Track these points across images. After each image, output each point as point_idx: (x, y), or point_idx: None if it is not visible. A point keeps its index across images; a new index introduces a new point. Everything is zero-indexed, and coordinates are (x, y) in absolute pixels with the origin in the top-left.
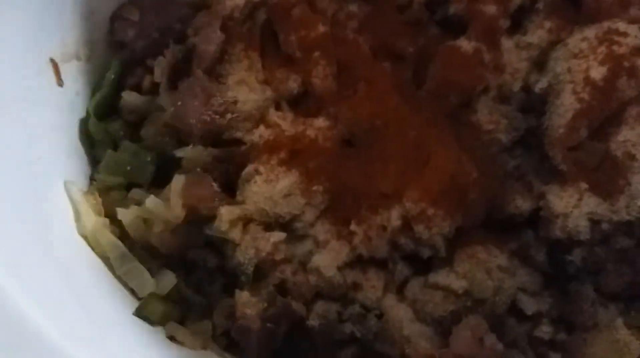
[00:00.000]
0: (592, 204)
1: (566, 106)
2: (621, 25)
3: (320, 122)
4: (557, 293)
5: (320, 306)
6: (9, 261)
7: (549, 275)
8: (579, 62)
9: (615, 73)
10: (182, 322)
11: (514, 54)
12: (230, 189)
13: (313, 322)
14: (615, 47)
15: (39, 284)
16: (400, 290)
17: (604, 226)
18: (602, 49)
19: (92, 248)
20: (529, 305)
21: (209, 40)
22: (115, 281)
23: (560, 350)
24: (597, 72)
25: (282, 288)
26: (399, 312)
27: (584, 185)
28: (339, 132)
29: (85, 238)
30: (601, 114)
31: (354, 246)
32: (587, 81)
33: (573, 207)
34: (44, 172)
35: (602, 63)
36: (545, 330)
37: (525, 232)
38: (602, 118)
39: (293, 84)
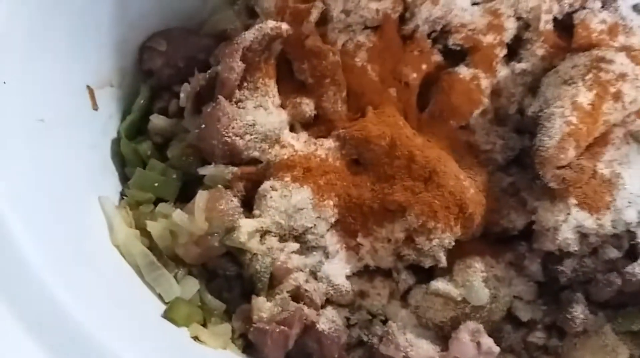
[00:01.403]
0: (580, 218)
1: (555, 129)
2: (608, 54)
3: (330, 142)
4: (551, 302)
5: (329, 311)
6: (52, 267)
7: (542, 284)
8: (568, 88)
9: (601, 98)
10: (204, 324)
11: (509, 80)
12: (248, 204)
13: (323, 325)
14: (602, 74)
15: (80, 286)
16: (404, 298)
17: (592, 239)
18: (590, 75)
19: (124, 257)
20: (524, 313)
21: (230, 69)
22: (144, 286)
23: (553, 355)
24: (585, 97)
25: (295, 295)
26: (402, 318)
27: (572, 201)
28: (348, 152)
29: (117, 247)
30: (588, 136)
31: (361, 256)
32: (575, 105)
33: (562, 221)
34: (81, 187)
35: (589, 89)
36: (539, 336)
37: (520, 244)
38: (590, 140)
39: (306, 108)
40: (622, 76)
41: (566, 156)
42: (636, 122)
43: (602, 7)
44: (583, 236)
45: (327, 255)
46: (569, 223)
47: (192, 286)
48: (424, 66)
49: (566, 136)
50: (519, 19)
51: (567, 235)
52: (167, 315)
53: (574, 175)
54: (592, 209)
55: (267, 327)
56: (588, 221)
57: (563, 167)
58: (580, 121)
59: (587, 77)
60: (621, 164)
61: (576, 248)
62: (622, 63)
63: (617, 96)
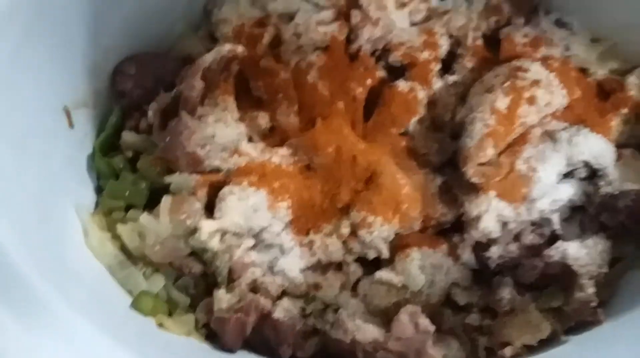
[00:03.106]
0: (499, 208)
1: (476, 131)
2: (525, 63)
3: (284, 150)
4: (485, 286)
5: (285, 302)
6: (36, 270)
7: (478, 271)
8: (488, 95)
9: (516, 102)
10: (169, 316)
11: (444, 91)
12: (211, 208)
13: (278, 314)
14: (518, 81)
15: (61, 285)
16: (354, 288)
17: (511, 226)
18: (508, 83)
19: (97, 258)
20: (461, 297)
21: (191, 88)
22: (116, 283)
23: (487, 334)
24: (502, 102)
25: (252, 287)
26: (352, 306)
27: (492, 193)
28: (300, 159)
29: (92, 249)
30: (506, 136)
31: (314, 252)
32: (493, 109)
33: (484, 211)
34: (60, 198)
35: (506, 94)
36: (474, 318)
37: (454, 236)
38: (508, 139)
39: (262, 121)
40: (536, 82)
41: (485, 154)
42: (552, 123)
43: (526, 23)
44: (504, 223)
45: (282, 251)
46: (490, 213)
47: (158, 282)
48: (369, 81)
49: (485, 137)
50: (450, 36)
51: (488, 223)
52: (134, 306)
53: (493, 171)
54: (510, 199)
55: (226, 316)
56: (506, 210)
57: (483, 164)
58: (498, 123)
59: (504, 85)
60: (537, 160)
61: (498, 235)
62: (536, 71)
63: (532, 100)
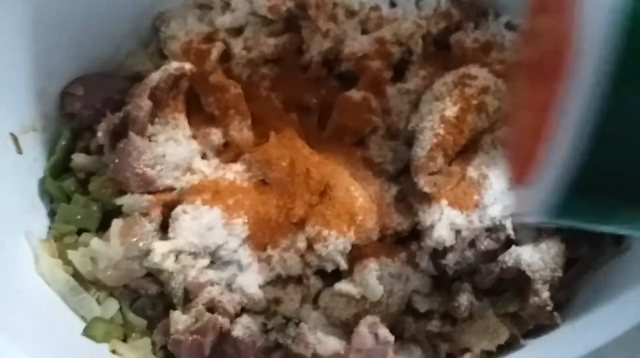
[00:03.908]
0: (452, 216)
1: (426, 140)
2: (473, 70)
3: (238, 166)
4: (444, 293)
5: (245, 319)
6: None
7: (437, 278)
8: (438, 104)
9: (465, 110)
10: (124, 340)
11: (397, 99)
12: (166, 228)
13: (238, 332)
14: (466, 89)
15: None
16: (315, 301)
17: (464, 233)
18: (456, 91)
19: (49, 284)
20: (422, 305)
21: (139, 108)
22: (69, 310)
23: (448, 340)
24: (451, 111)
25: (210, 307)
26: (313, 319)
27: (444, 202)
28: (254, 174)
29: (43, 276)
30: (455, 145)
31: (272, 267)
32: (443, 119)
33: (437, 220)
34: (9, 227)
35: (454, 103)
36: (435, 324)
37: (412, 244)
38: (458, 147)
39: (214, 137)
40: (485, 89)
41: (435, 163)
42: (502, 129)
43: (475, 27)
44: (457, 231)
45: (240, 268)
46: (442, 221)
47: (112, 306)
48: (322, 91)
49: (434, 146)
50: (401, 44)
51: (442, 232)
52: (86, 333)
53: (444, 180)
54: (462, 207)
55: (182, 338)
56: (459, 218)
57: (434, 173)
58: (447, 132)
59: (453, 93)
60: (489, 167)
61: (452, 243)
62: (484, 77)
63: (480, 108)
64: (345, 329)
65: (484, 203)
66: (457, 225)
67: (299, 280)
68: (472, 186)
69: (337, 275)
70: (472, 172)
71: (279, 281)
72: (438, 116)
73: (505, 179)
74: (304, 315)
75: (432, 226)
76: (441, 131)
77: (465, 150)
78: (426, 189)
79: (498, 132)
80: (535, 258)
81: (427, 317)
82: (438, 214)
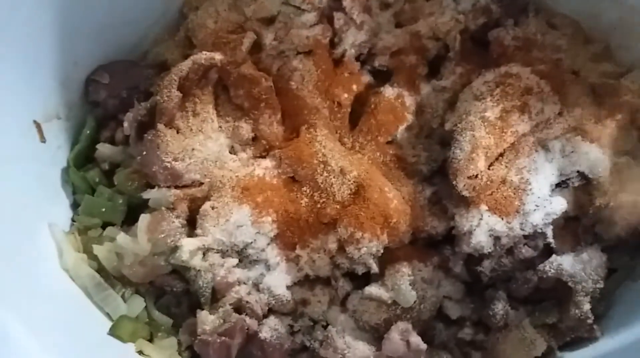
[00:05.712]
0: (491, 222)
1: (466, 142)
2: (515, 69)
3: (267, 162)
4: (477, 300)
5: (272, 320)
6: (6, 309)
7: (470, 284)
8: (478, 103)
9: (507, 112)
10: (150, 339)
11: (432, 97)
12: (192, 222)
13: (265, 334)
14: (508, 89)
15: (28, 310)
16: (343, 303)
17: (504, 240)
18: (498, 91)
19: (73, 280)
20: (454, 311)
21: (167, 99)
22: (93, 307)
23: (480, 349)
24: (492, 112)
25: (237, 307)
26: (341, 322)
27: (484, 207)
28: (284, 171)
29: (67, 271)
30: (497, 147)
31: (300, 267)
32: (484, 119)
33: (476, 226)
34: (31, 217)
35: (497, 103)
36: (467, 332)
37: (446, 248)
38: (499, 150)
39: (244, 131)
40: (528, 90)
41: (476, 166)
42: (544, 131)
43: (515, 24)
44: (496, 238)
45: (268, 268)
46: (481, 227)
47: (138, 304)
48: (354, 87)
49: (475, 148)
50: (437, 39)
51: (480, 238)
52: (112, 333)
53: (484, 184)
54: (502, 213)
55: (210, 339)
56: (499, 224)
57: (474, 176)
58: (488, 134)
59: (494, 93)
60: (530, 171)
61: (490, 250)
62: (527, 78)
63: (523, 109)
64: (375, 334)
65: (525, 210)
66: (497, 231)
67: (326, 281)
68: (513, 192)
69: (366, 276)
70: (513, 176)
71: (306, 282)
72: (479, 116)
73: (547, 184)
74: (331, 318)
75: (470, 232)
76: (482, 132)
77: (506, 153)
78: (465, 192)
79: (539, 135)
80: (577, 268)
81: (459, 323)
82: (477, 219)
